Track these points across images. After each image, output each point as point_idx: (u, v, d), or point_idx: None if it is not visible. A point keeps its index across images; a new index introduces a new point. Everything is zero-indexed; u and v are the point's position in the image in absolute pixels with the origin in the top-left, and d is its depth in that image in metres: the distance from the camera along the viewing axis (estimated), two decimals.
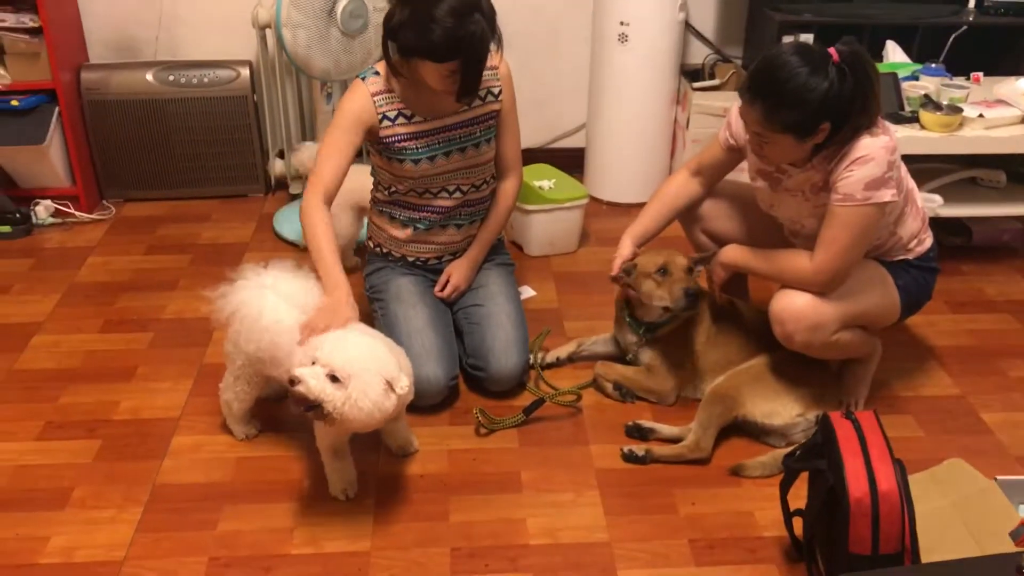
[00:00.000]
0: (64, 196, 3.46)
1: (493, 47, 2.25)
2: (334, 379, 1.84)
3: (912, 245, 2.30)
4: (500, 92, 2.42)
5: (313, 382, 1.82)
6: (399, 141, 2.35)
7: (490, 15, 2.15)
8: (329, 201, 2.25)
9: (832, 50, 2.02)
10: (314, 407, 1.85)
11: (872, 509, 1.71)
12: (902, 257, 2.30)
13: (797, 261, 2.20)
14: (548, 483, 2.21)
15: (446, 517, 2.10)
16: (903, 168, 2.21)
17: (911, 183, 2.28)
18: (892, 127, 2.82)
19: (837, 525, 1.75)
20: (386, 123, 2.33)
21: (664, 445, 2.31)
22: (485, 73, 2.30)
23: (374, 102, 2.31)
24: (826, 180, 2.14)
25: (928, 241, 2.34)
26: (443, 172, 2.41)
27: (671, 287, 2.35)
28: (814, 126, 2.03)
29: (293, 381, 1.83)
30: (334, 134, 2.28)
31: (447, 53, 2.12)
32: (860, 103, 2.03)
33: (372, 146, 2.40)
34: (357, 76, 2.35)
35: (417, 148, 2.36)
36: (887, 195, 2.08)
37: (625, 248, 2.44)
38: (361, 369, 1.85)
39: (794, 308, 2.19)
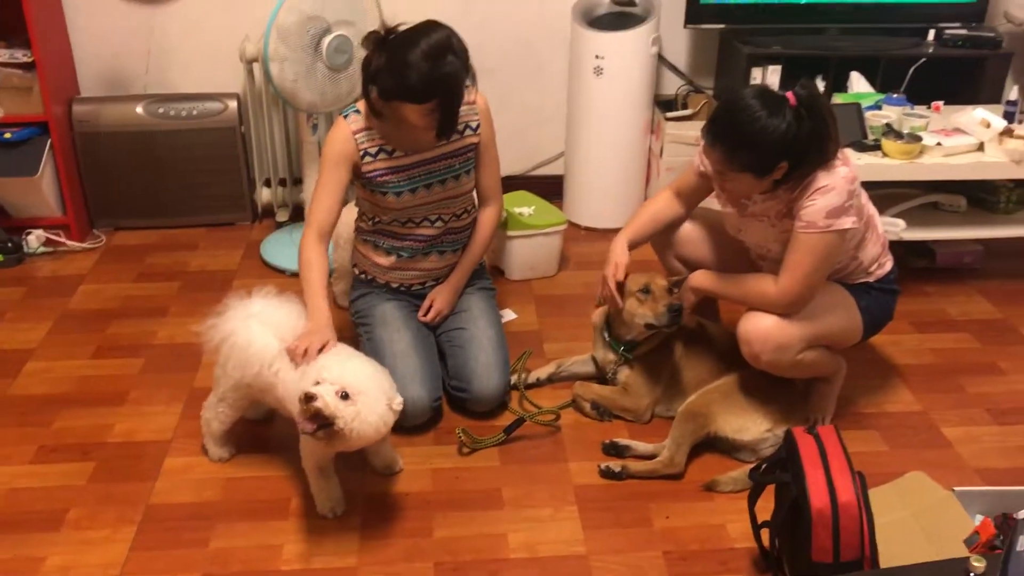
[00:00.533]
0: (56, 226, 3.53)
1: (468, 83, 2.36)
2: (344, 396, 1.94)
3: (873, 269, 2.41)
4: (478, 126, 2.53)
5: (330, 398, 1.92)
6: (380, 175, 2.45)
7: (463, 54, 2.26)
8: (325, 236, 2.40)
9: (790, 94, 2.13)
10: (327, 424, 1.94)
11: (833, 519, 1.80)
12: (863, 280, 2.41)
13: (763, 285, 2.31)
14: (528, 499, 2.30)
15: (430, 533, 2.19)
16: (863, 196, 2.33)
17: (871, 209, 2.40)
18: (853, 155, 2.96)
19: (800, 535, 1.85)
20: (368, 159, 2.44)
21: (640, 461, 2.40)
22: (463, 108, 2.42)
23: (355, 139, 2.42)
24: (789, 208, 2.26)
25: (888, 264, 2.45)
26: (424, 203, 2.51)
27: (654, 305, 2.45)
28: (772, 165, 2.15)
29: (309, 398, 1.92)
30: (323, 175, 2.43)
31: (424, 94, 2.24)
32: (816, 144, 2.14)
33: (356, 179, 2.50)
34: (340, 114, 2.46)
35: (399, 182, 2.46)
36: (848, 222, 2.20)
37: (622, 251, 2.50)
38: (368, 386, 1.97)
39: (760, 329, 2.29)
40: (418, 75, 2.20)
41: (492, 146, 2.58)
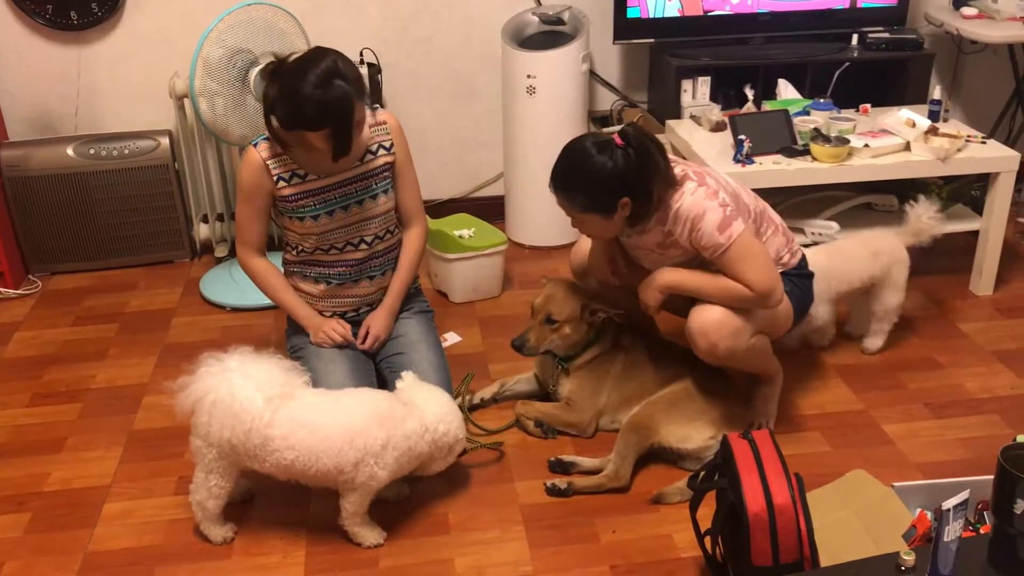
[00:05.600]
0: None
1: (372, 104, 2.40)
2: None
3: (786, 259, 2.45)
4: (391, 145, 2.53)
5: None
6: (295, 200, 2.46)
7: (353, 77, 2.27)
8: (262, 252, 2.55)
9: (616, 135, 2.22)
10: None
11: (769, 522, 1.81)
12: (780, 271, 2.43)
13: (738, 285, 2.28)
14: (475, 522, 2.28)
15: (376, 563, 2.16)
16: (743, 193, 2.38)
17: (760, 204, 2.44)
18: (783, 160, 3.00)
19: (740, 540, 1.86)
20: (281, 183, 2.45)
21: (585, 477, 2.39)
22: (374, 129, 2.47)
23: (267, 166, 2.43)
24: (669, 239, 2.31)
25: (799, 252, 2.51)
26: (344, 225, 2.50)
27: (523, 329, 2.56)
28: (612, 203, 2.23)
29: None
30: (243, 206, 2.49)
31: (317, 121, 2.26)
32: (647, 176, 2.22)
33: (273, 208, 2.51)
34: (250, 143, 2.47)
35: (315, 205, 2.46)
36: (741, 226, 2.24)
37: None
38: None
39: (714, 318, 2.30)
40: (309, 103, 2.23)
41: (408, 165, 2.59)
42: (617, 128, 2.39)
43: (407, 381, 2.25)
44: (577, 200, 2.25)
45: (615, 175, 2.20)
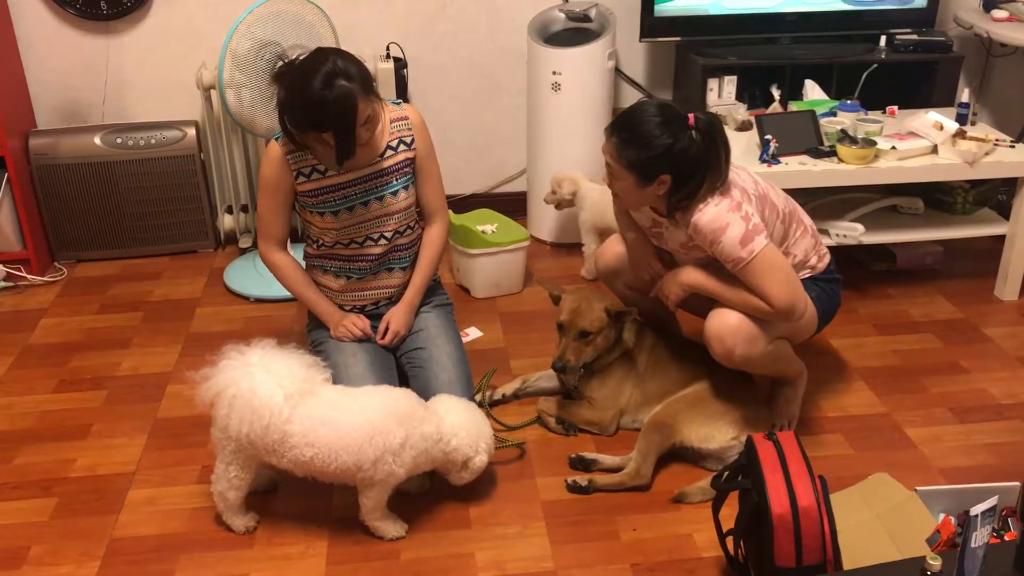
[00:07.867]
0: (16, 260, 3.50)
1: (393, 102, 2.45)
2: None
3: (814, 262, 2.44)
4: (412, 140, 2.53)
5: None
6: (316, 195, 2.47)
7: (360, 76, 2.27)
8: (283, 246, 2.57)
9: (691, 115, 2.20)
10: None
11: (793, 524, 1.81)
12: (808, 275, 2.42)
13: (757, 299, 2.26)
14: (496, 517, 2.29)
15: (397, 556, 2.17)
16: (771, 194, 2.36)
17: (791, 204, 2.42)
18: (809, 161, 2.99)
19: (763, 541, 1.86)
20: (301, 179, 2.46)
21: (606, 474, 2.40)
22: (395, 124, 2.47)
23: (287, 161, 2.44)
24: (691, 243, 2.31)
25: (827, 255, 2.49)
26: (364, 221, 2.51)
27: (559, 347, 2.52)
28: (654, 173, 2.20)
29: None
30: (264, 200, 2.50)
31: (321, 123, 2.27)
32: (702, 169, 2.20)
33: (296, 202, 2.52)
34: (273, 137, 2.47)
35: (335, 200, 2.47)
36: (763, 241, 2.22)
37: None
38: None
39: (731, 323, 2.29)
40: (313, 105, 2.24)
41: (431, 160, 2.58)
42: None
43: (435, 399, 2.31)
44: (624, 154, 2.21)
45: (672, 150, 2.17)
